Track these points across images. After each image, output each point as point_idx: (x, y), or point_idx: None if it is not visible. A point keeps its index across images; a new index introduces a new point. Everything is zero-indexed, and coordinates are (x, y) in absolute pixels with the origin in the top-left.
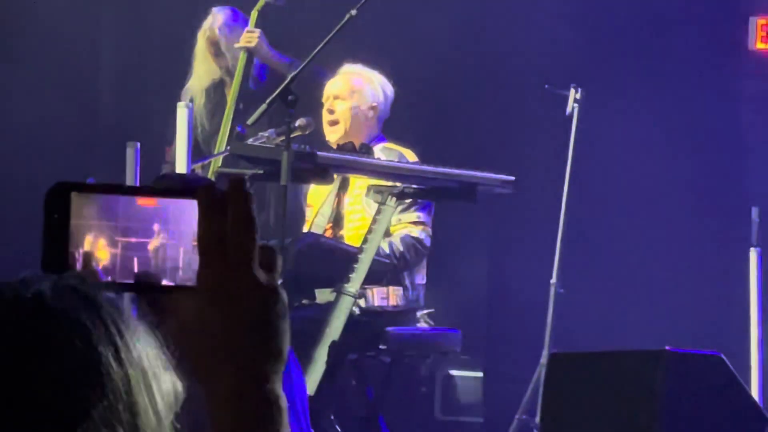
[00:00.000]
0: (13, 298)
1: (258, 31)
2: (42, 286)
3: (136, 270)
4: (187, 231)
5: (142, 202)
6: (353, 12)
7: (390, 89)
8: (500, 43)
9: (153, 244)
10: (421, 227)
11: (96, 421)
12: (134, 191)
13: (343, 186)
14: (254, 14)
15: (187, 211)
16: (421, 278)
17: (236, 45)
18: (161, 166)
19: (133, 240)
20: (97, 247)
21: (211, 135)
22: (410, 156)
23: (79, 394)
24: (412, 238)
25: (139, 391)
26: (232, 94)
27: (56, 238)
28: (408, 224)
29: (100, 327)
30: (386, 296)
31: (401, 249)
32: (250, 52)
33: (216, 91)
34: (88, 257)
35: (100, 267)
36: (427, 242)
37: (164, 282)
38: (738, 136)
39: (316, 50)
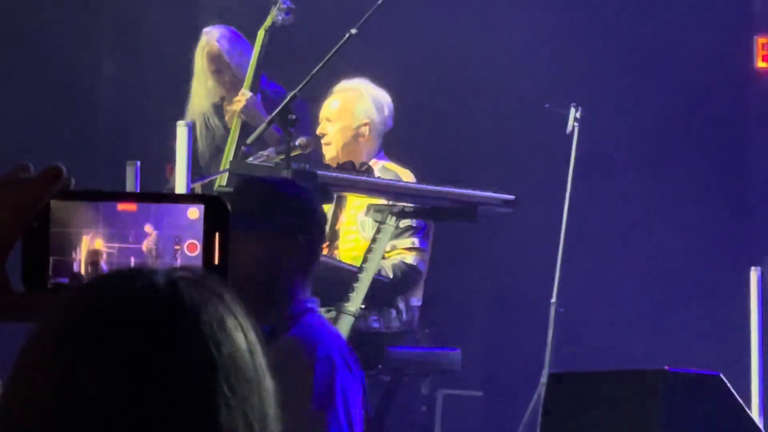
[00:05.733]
0: (147, 286)
1: (248, 94)
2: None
3: None
4: (169, 235)
5: (123, 207)
6: (353, 31)
7: (387, 101)
8: (500, 62)
9: (146, 245)
10: (414, 253)
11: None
12: (114, 196)
13: (339, 204)
14: (261, 33)
15: (169, 214)
16: (416, 300)
17: (231, 107)
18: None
19: (119, 245)
20: (91, 255)
21: (211, 158)
22: (408, 177)
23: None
24: (406, 264)
25: (264, 380)
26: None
27: (36, 246)
28: (402, 250)
29: (232, 318)
30: (378, 318)
31: (390, 276)
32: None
33: (215, 115)
34: (94, 257)
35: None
36: (422, 267)
37: None
38: (742, 154)
39: (316, 69)
